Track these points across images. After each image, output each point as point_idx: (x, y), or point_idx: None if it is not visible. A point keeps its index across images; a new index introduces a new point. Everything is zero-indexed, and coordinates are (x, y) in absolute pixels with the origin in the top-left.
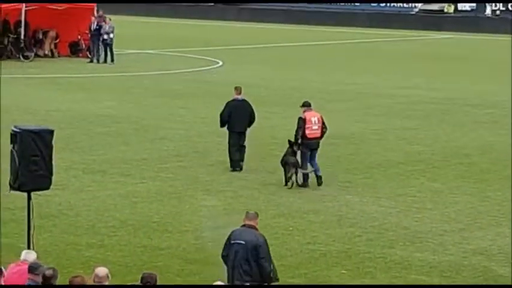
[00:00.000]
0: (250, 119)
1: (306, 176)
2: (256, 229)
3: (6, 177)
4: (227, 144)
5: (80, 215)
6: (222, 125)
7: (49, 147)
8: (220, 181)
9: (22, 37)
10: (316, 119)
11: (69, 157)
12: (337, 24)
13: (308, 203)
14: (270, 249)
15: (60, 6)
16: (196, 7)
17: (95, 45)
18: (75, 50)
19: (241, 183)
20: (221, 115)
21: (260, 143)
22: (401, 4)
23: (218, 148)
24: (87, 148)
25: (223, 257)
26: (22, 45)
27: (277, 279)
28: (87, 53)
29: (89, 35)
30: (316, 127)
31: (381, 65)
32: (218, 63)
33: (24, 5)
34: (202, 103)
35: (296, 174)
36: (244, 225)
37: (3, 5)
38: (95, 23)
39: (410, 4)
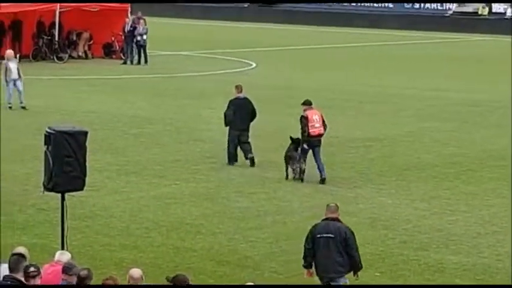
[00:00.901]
0: (252, 116)
1: (303, 170)
2: (340, 221)
3: (40, 178)
4: (227, 141)
5: (114, 216)
6: (227, 124)
7: (83, 149)
8: (253, 183)
9: (56, 38)
10: (317, 117)
11: (103, 158)
12: (369, 26)
13: (341, 205)
14: (302, 251)
15: (94, 8)
16: (231, 9)
17: (128, 47)
18: (108, 51)
19: (274, 185)
20: (225, 114)
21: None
22: (435, 6)
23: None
24: (121, 149)
25: (307, 249)
26: (56, 46)
27: (362, 266)
28: (121, 54)
29: (123, 37)
30: (318, 125)
31: (414, 67)
32: (251, 65)
33: (58, 6)
34: None
35: (299, 169)
36: (327, 219)
37: (38, 7)
38: (129, 25)
39: (444, 6)
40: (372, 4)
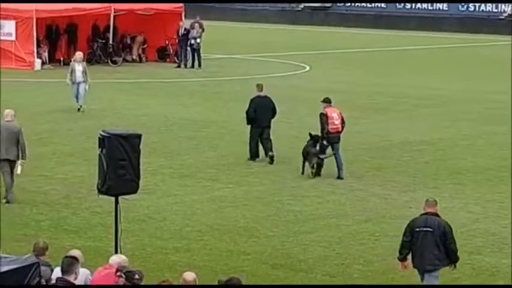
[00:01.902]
0: (273, 113)
1: (321, 167)
2: (438, 215)
3: (95, 181)
4: (249, 137)
5: (167, 219)
6: (249, 122)
7: (137, 152)
8: (306, 186)
9: (110, 42)
10: (336, 114)
11: (156, 161)
12: (425, 29)
13: (395, 209)
14: (357, 254)
15: (149, 12)
16: (285, 12)
17: (182, 50)
18: (162, 55)
19: (327, 188)
20: (247, 112)
21: (348, 149)
22: (489, 8)
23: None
24: (175, 152)
25: (405, 242)
26: (110, 50)
27: (459, 258)
28: (175, 58)
29: (177, 40)
30: (337, 122)
31: (469, 70)
32: (305, 68)
33: (112, 10)
34: (288, 108)
35: (317, 164)
36: (426, 213)
37: (93, 10)
38: (183, 28)
39: (499, 8)
40: (426, 6)
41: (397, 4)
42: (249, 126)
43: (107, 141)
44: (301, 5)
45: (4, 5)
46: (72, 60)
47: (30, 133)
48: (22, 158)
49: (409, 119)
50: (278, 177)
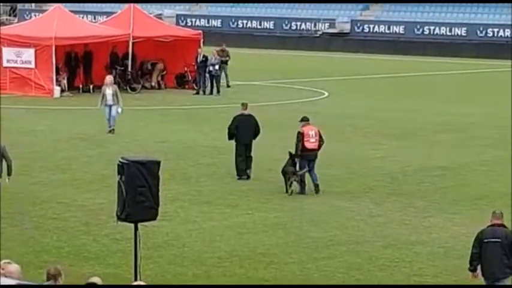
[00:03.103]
0: (255, 132)
1: (303, 183)
2: (505, 226)
3: (114, 208)
4: (234, 156)
5: (186, 245)
6: (230, 138)
7: (156, 178)
8: (327, 212)
9: (129, 69)
10: (313, 132)
11: (175, 188)
12: (443, 54)
13: (415, 234)
14: (377, 280)
15: (167, 39)
16: (303, 38)
17: (201, 77)
18: (181, 81)
19: (347, 214)
20: (229, 128)
21: (367, 174)
22: (508, 34)
23: (323, 179)
24: (194, 179)
25: (474, 253)
26: (129, 77)
27: None
28: (194, 84)
29: (195, 67)
30: (313, 140)
31: (488, 96)
32: (323, 94)
33: (131, 37)
34: None
35: (297, 182)
36: (493, 225)
37: (112, 37)
38: (201, 55)
39: None
40: (444, 32)
41: (416, 30)
42: (234, 145)
43: (126, 168)
44: (320, 31)
45: (24, 33)
46: (104, 84)
47: (49, 160)
48: (8, 174)
49: (428, 144)
50: (297, 204)
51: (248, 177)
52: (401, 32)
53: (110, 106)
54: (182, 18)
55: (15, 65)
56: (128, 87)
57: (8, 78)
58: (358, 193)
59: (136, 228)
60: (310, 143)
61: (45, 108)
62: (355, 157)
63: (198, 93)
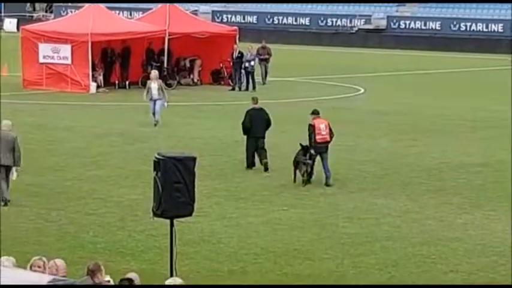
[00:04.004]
0: (267, 124)
1: (311, 172)
2: None
3: (150, 204)
4: (245, 148)
5: (222, 241)
6: (245, 132)
7: (192, 174)
8: (362, 208)
9: (165, 65)
10: (323, 125)
11: (211, 184)
12: (480, 51)
13: (451, 231)
14: (413, 276)
15: (203, 35)
16: (338, 35)
17: (236, 73)
18: (217, 77)
19: (383, 210)
20: (243, 123)
21: (403, 171)
22: None
23: (359, 175)
24: (229, 175)
25: None
26: (165, 73)
27: None
28: (229, 81)
29: (231, 63)
30: (324, 133)
31: None
32: (360, 90)
33: (167, 33)
34: (343, 130)
35: (307, 172)
36: None
37: (148, 34)
38: (237, 51)
39: None
40: (481, 28)
41: (452, 26)
42: (245, 138)
43: (162, 164)
44: (356, 28)
45: (60, 29)
46: (150, 78)
47: (85, 156)
48: (17, 165)
49: (465, 140)
50: (333, 200)
51: (266, 168)
52: (437, 28)
53: (155, 100)
54: (218, 15)
55: (52, 61)
56: (163, 83)
57: (44, 74)
58: (394, 189)
59: (172, 224)
60: (321, 136)
61: (81, 104)
62: (391, 153)
63: (233, 89)
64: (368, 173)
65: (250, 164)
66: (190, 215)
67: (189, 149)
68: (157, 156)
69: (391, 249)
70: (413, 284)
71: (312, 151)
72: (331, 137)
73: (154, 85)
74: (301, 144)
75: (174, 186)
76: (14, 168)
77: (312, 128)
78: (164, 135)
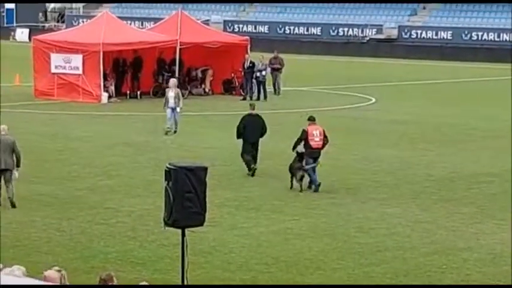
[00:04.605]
0: (262, 131)
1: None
2: None
3: (161, 214)
4: (241, 151)
5: (233, 251)
6: (238, 136)
7: (203, 184)
8: (373, 218)
9: (176, 75)
10: (317, 132)
11: (222, 194)
12: (492, 60)
13: (462, 241)
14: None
15: (214, 45)
16: (349, 44)
17: (248, 83)
18: (228, 87)
19: (394, 220)
20: (237, 128)
21: (414, 180)
22: None
23: (370, 185)
24: (240, 185)
25: None
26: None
27: None
28: (240, 90)
29: (242, 73)
30: (317, 139)
31: None
32: (371, 100)
33: (179, 43)
34: (354, 140)
35: (303, 178)
36: None
37: (159, 43)
38: (248, 61)
39: None
40: (492, 37)
41: (463, 35)
42: (241, 143)
43: (173, 174)
44: (367, 37)
45: (72, 39)
46: (169, 86)
47: (97, 166)
48: (18, 166)
49: (476, 150)
50: (344, 209)
51: (253, 173)
52: (449, 37)
53: (172, 109)
54: (229, 24)
55: (63, 71)
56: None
57: (55, 84)
58: (405, 199)
59: (183, 234)
60: (315, 142)
61: (92, 114)
62: (402, 163)
63: (245, 99)
64: (379, 183)
65: (250, 165)
66: (201, 224)
67: (200, 159)
68: (169, 166)
69: (402, 259)
70: None
71: (298, 150)
72: (323, 144)
73: (171, 94)
74: (297, 152)
75: (186, 196)
76: (15, 169)
77: (304, 134)
78: (175, 145)
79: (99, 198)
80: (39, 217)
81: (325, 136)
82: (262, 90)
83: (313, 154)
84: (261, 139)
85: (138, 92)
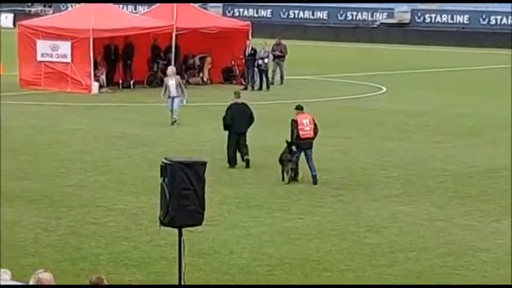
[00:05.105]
0: (250, 121)
1: (296, 169)
2: None
3: (156, 213)
4: (226, 144)
5: (234, 252)
6: (226, 128)
7: (201, 180)
8: (384, 216)
9: (172, 63)
10: (307, 120)
11: (222, 191)
12: (509, 46)
13: (479, 241)
14: None
15: (213, 30)
16: (359, 29)
17: (249, 71)
18: (228, 76)
19: (407, 218)
20: (224, 118)
21: (428, 176)
22: None
23: (381, 180)
24: (241, 181)
25: None
26: None
27: None
28: (241, 79)
29: (243, 60)
30: (308, 128)
31: None
32: (382, 89)
33: (175, 28)
34: (363, 132)
35: (292, 170)
36: None
37: (153, 29)
38: (250, 48)
39: None
40: (507, 22)
41: (481, 19)
42: (227, 134)
43: (169, 170)
44: (377, 22)
45: (59, 25)
46: (167, 75)
47: (87, 160)
48: None
49: (494, 143)
50: (353, 207)
51: (248, 164)
52: (465, 22)
53: (173, 98)
54: (229, 8)
55: (51, 59)
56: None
57: (42, 73)
58: (418, 196)
59: (180, 234)
60: (305, 131)
61: (82, 105)
62: (415, 157)
63: (246, 88)
64: (391, 178)
65: (232, 162)
66: (199, 224)
67: (198, 153)
68: (164, 161)
69: (415, 260)
70: None
71: (294, 148)
72: (315, 133)
73: (172, 82)
74: (287, 141)
75: (183, 193)
76: None
77: (294, 124)
78: (171, 138)
79: (90, 195)
80: (26, 216)
81: (315, 125)
82: (264, 79)
83: (303, 145)
84: (248, 129)
85: (131, 82)
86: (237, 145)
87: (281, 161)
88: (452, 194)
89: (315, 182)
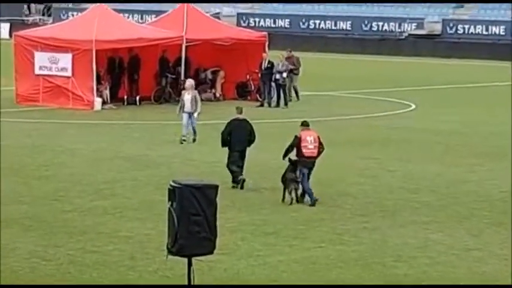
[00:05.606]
0: (250, 138)
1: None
2: None
3: (164, 240)
4: (226, 162)
5: (249, 282)
6: (223, 145)
7: (213, 205)
8: (413, 245)
9: (182, 77)
10: (312, 138)
11: (235, 217)
12: None
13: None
14: None
15: (226, 42)
16: (385, 41)
17: (266, 87)
18: (242, 91)
19: (438, 247)
20: (222, 134)
21: (461, 201)
22: None
23: (410, 206)
24: (257, 206)
25: None
26: (182, 86)
27: None
28: (257, 95)
29: (259, 75)
30: (311, 146)
31: None
32: (410, 106)
33: (184, 40)
34: (391, 153)
35: (296, 190)
36: None
37: (162, 41)
38: (266, 61)
39: None
40: None
41: None
42: (228, 152)
43: (178, 193)
44: (406, 33)
45: (59, 36)
46: (185, 89)
47: (88, 183)
48: None
49: None
50: (379, 235)
51: (242, 185)
52: (501, 33)
53: (189, 113)
54: (244, 18)
55: (50, 73)
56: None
57: (41, 87)
58: (450, 223)
59: (190, 264)
60: (308, 150)
61: (83, 123)
62: (447, 180)
63: (262, 105)
64: (420, 203)
65: (237, 178)
66: (211, 252)
67: (208, 176)
68: (172, 184)
69: None
70: None
71: (301, 167)
72: (319, 152)
73: (187, 96)
74: (290, 159)
75: (192, 218)
76: None
77: (297, 140)
78: (180, 159)
79: (91, 221)
80: (22, 243)
81: (320, 143)
82: (282, 95)
83: (307, 164)
84: (248, 148)
85: (137, 98)
86: (240, 162)
87: (284, 180)
88: (487, 221)
89: (312, 204)
